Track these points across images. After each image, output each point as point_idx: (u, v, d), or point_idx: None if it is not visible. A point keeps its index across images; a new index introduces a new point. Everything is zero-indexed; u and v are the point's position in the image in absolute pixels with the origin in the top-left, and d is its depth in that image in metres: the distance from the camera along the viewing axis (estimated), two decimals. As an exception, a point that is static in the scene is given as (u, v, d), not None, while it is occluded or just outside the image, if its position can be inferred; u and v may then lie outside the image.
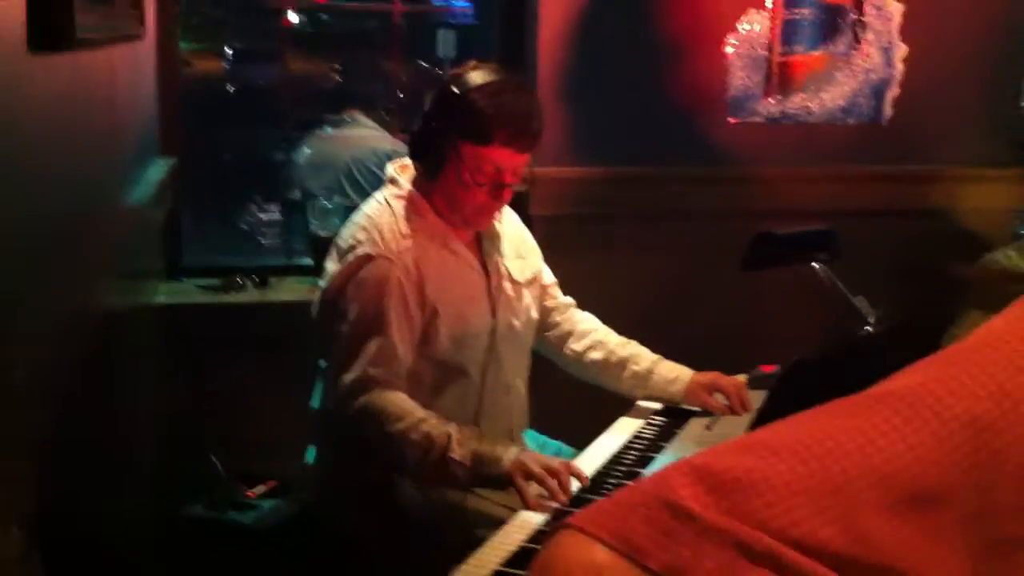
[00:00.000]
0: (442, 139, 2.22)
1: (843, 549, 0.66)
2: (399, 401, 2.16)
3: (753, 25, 3.36)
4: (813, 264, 2.27)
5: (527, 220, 2.59)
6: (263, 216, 5.96)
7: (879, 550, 0.67)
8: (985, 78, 3.58)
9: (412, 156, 2.32)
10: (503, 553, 1.74)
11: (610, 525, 0.70)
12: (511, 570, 1.68)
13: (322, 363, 2.37)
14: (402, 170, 2.35)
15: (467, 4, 6.36)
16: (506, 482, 2.05)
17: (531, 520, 1.89)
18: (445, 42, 5.89)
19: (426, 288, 2.23)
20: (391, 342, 2.18)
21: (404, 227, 2.24)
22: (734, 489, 0.69)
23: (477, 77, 2.21)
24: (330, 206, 3.33)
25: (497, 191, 2.24)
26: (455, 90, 2.20)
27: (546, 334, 2.54)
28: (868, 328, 2.15)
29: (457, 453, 2.08)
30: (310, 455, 2.46)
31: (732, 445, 0.73)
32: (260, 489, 2.69)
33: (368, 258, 2.20)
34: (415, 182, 2.32)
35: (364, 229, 2.25)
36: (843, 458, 0.69)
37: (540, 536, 1.79)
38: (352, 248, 2.23)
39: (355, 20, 6.65)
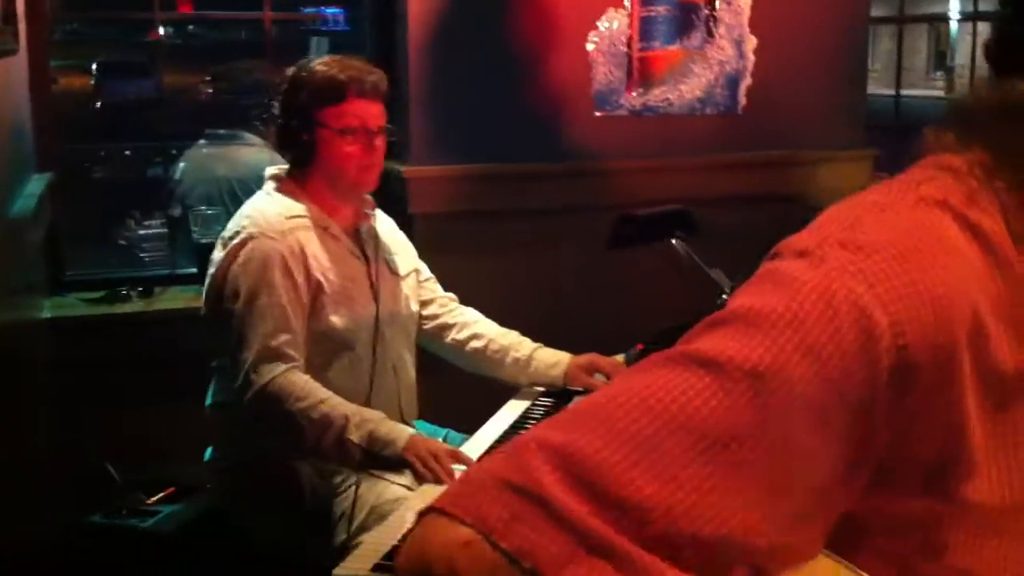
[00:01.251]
0: (303, 118, 2.38)
1: (667, 499, 0.76)
2: (301, 382, 2.25)
3: (612, 23, 3.52)
4: (672, 241, 2.44)
5: (406, 219, 2.69)
6: (141, 231, 5.93)
7: (695, 492, 0.76)
8: (832, 65, 3.81)
9: (281, 149, 2.49)
10: (383, 548, 1.81)
11: (469, 506, 0.79)
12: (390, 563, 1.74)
13: (215, 363, 2.44)
14: (279, 171, 2.50)
15: (338, 11, 6.42)
16: (400, 463, 2.16)
17: (416, 508, 1.98)
18: (319, 49, 5.95)
19: (310, 264, 2.35)
20: (284, 312, 2.28)
21: (286, 211, 2.38)
22: (574, 463, 0.77)
23: (313, 61, 2.44)
24: (210, 212, 3.37)
25: (369, 141, 2.39)
26: (301, 73, 2.41)
27: (427, 327, 2.65)
28: (724, 296, 2.32)
29: (354, 435, 2.19)
30: (207, 454, 2.53)
31: (566, 416, 0.82)
32: (159, 495, 2.73)
33: (251, 238, 2.32)
34: (291, 179, 2.47)
35: (247, 216, 2.39)
36: (651, 415, 0.78)
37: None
38: (236, 234, 2.36)
39: (226, 31, 6.64)
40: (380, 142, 2.43)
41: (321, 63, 2.42)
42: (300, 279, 2.33)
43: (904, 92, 5.51)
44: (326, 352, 2.39)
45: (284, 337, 2.27)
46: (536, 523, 0.76)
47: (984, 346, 0.82)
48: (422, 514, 0.82)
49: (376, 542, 1.85)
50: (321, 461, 2.32)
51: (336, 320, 2.37)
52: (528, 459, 0.79)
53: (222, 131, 4.04)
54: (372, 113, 2.41)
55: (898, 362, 0.80)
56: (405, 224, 2.79)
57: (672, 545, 0.76)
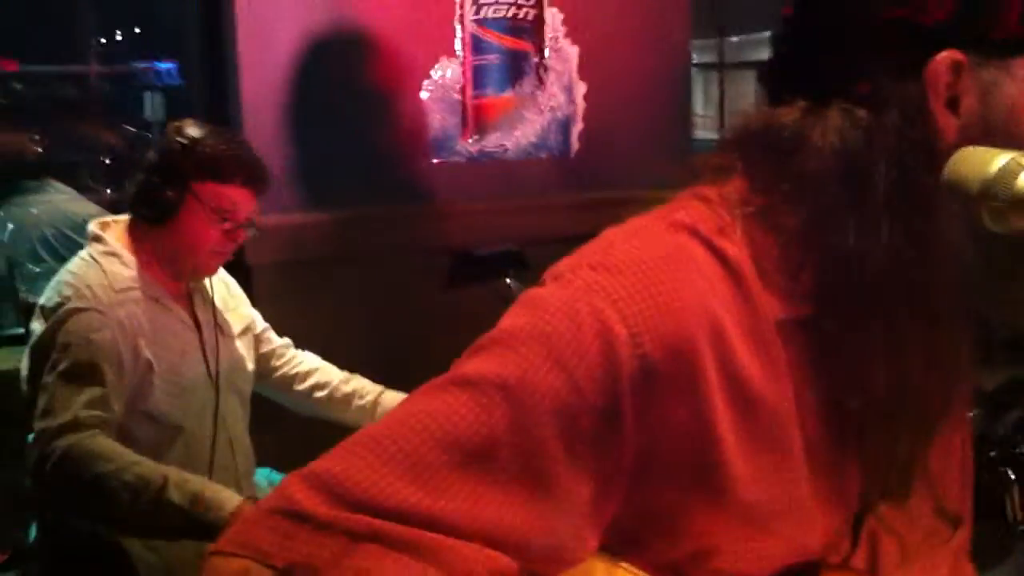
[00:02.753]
0: (173, 185, 2.24)
1: (430, 506, 0.81)
2: (110, 445, 2.03)
3: (446, 71, 3.59)
4: (507, 280, 2.50)
5: (244, 270, 2.66)
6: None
7: (455, 498, 0.82)
8: (657, 109, 3.97)
9: (135, 202, 2.30)
10: None
11: (242, 539, 0.84)
12: None
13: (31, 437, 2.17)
14: (104, 227, 2.33)
15: (171, 65, 6.31)
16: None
17: None
18: (153, 104, 5.84)
19: (139, 342, 2.20)
20: (105, 393, 2.09)
21: (115, 283, 2.22)
22: (337, 483, 0.83)
23: (199, 128, 2.29)
24: (38, 269, 3.27)
25: (233, 232, 2.30)
26: (185, 138, 2.26)
27: (268, 379, 2.58)
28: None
29: (175, 495, 1.93)
30: (31, 533, 2.36)
31: (336, 448, 0.87)
32: (-9, 562, 2.62)
33: (77, 310, 2.13)
34: (124, 238, 2.31)
35: (70, 285, 2.18)
36: (413, 434, 0.84)
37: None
38: (60, 304, 2.15)
39: (53, 87, 6.46)
40: (242, 235, 2.33)
41: (207, 133, 2.29)
42: (128, 361, 2.16)
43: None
44: (157, 436, 2.23)
45: (98, 413, 2.06)
46: (304, 536, 0.81)
47: (729, 356, 0.89)
48: (205, 559, 0.86)
49: None
50: (136, 531, 2.12)
51: (166, 401, 2.23)
52: (290, 487, 0.85)
53: (31, 182, 3.96)
54: (248, 204, 2.31)
55: (639, 369, 0.85)
56: (242, 275, 2.76)
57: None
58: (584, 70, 3.82)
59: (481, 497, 0.83)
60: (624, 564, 0.91)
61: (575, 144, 3.84)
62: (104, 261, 2.26)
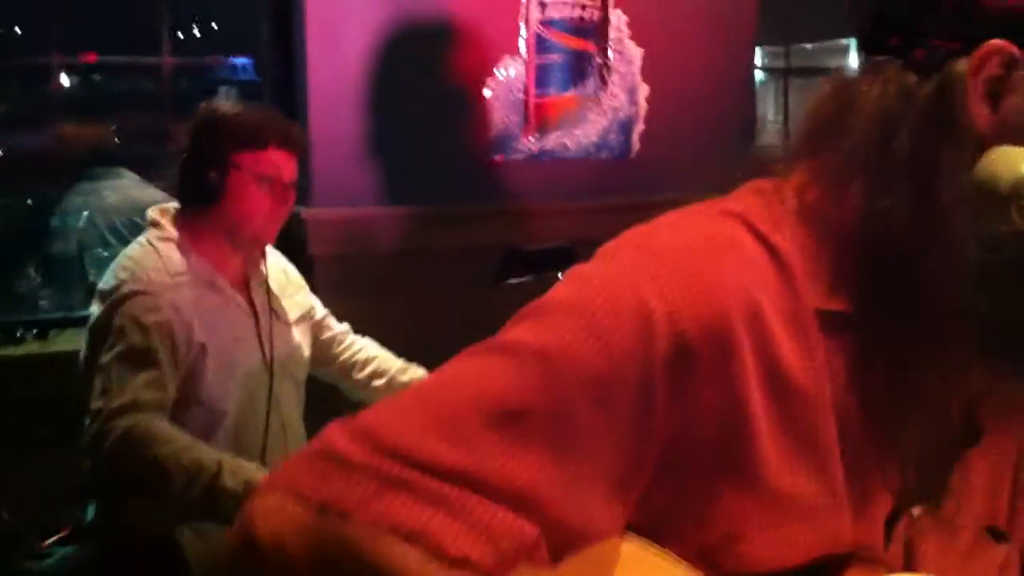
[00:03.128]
0: (215, 160, 2.27)
1: (461, 462, 0.83)
2: (167, 427, 2.06)
3: (509, 70, 3.63)
4: (558, 275, 2.51)
5: (306, 261, 2.71)
6: (40, 277, 5.83)
7: (486, 457, 0.84)
8: (721, 111, 3.97)
9: (182, 190, 2.34)
10: None
11: (282, 478, 0.87)
12: None
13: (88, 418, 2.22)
14: (162, 214, 2.36)
15: (246, 60, 6.42)
16: None
17: None
18: (228, 99, 5.95)
19: (194, 326, 2.22)
20: (161, 375, 2.12)
21: (170, 267, 2.25)
22: (373, 433, 0.85)
23: (228, 104, 2.37)
24: (105, 254, 3.37)
25: (283, 195, 2.33)
26: (219, 114, 2.33)
27: (328, 366, 2.61)
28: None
29: (228, 482, 1.94)
30: (89, 512, 2.42)
31: (377, 404, 0.90)
32: (53, 538, 2.69)
33: (134, 294, 2.17)
34: (178, 224, 2.34)
35: (127, 269, 2.22)
36: (450, 393, 0.88)
37: None
38: (116, 288, 2.19)
39: (130, 79, 6.61)
40: (291, 197, 2.36)
41: (237, 106, 2.36)
42: (182, 345, 2.19)
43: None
44: (206, 421, 2.24)
45: (156, 395, 2.09)
46: (338, 478, 0.84)
47: (767, 341, 0.90)
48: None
49: None
50: (191, 515, 2.15)
51: (218, 386, 2.24)
52: (331, 434, 0.87)
53: (98, 169, 4.07)
54: (289, 166, 2.34)
55: (676, 346, 0.87)
56: (304, 266, 2.81)
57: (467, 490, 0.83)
58: (647, 72, 3.82)
59: (512, 457, 0.84)
60: (654, 548, 0.92)
61: (636, 145, 3.85)
62: (161, 246, 2.29)
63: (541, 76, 3.70)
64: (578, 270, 0.94)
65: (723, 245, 0.93)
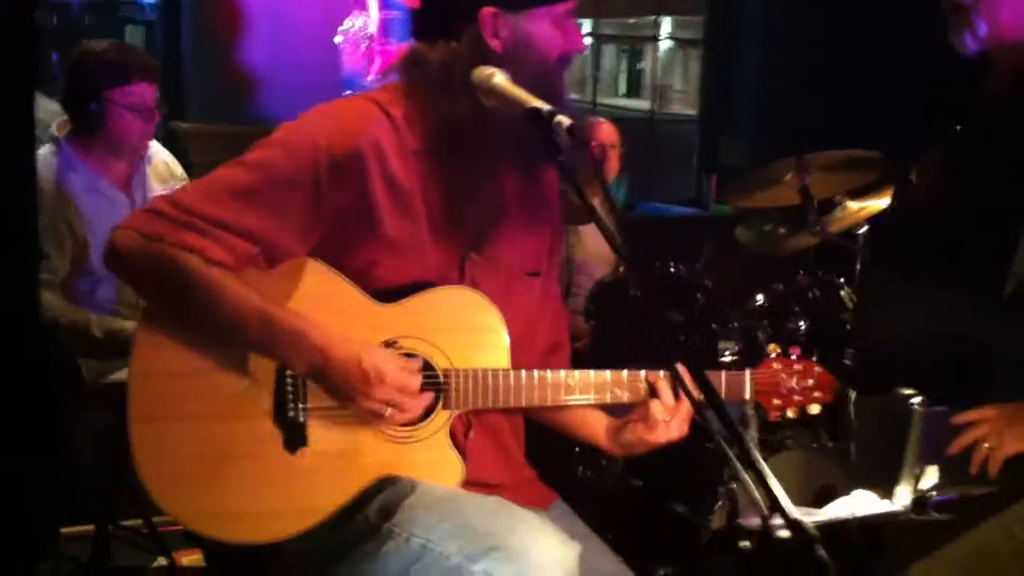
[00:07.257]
0: (91, 96, 2.88)
1: (219, 214, 1.78)
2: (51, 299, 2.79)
3: (356, 22, 4.56)
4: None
5: (188, 167, 3.34)
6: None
7: (233, 212, 1.79)
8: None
9: (70, 118, 2.97)
10: None
11: (128, 221, 1.83)
12: None
13: None
14: (60, 128, 2.98)
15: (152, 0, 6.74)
16: None
17: None
18: (133, 38, 6.42)
19: (75, 223, 2.86)
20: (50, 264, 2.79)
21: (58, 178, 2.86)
22: (177, 200, 1.81)
23: (98, 43, 2.97)
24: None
25: (149, 115, 2.96)
26: (91, 53, 2.93)
27: None
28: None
29: (96, 332, 2.82)
30: None
31: (182, 187, 1.98)
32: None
33: None
34: (69, 138, 2.95)
35: None
36: (218, 181, 1.82)
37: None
38: None
39: (36, 14, 6.87)
40: (156, 115, 2.97)
41: (105, 45, 2.92)
42: (67, 239, 2.84)
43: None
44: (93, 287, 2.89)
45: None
46: (155, 221, 1.81)
47: (384, 159, 1.87)
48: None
49: None
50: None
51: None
52: (156, 201, 1.87)
53: None
54: (150, 93, 2.93)
55: (332, 162, 1.84)
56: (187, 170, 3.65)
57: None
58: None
59: (245, 213, 1.80)
60: (326, 265, 1.86)
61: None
62: (52, 160, 2.93)
63: (385, 27, 4.61)
64: (287, 125, 1.90)
65: (361, 109, 1.89)
